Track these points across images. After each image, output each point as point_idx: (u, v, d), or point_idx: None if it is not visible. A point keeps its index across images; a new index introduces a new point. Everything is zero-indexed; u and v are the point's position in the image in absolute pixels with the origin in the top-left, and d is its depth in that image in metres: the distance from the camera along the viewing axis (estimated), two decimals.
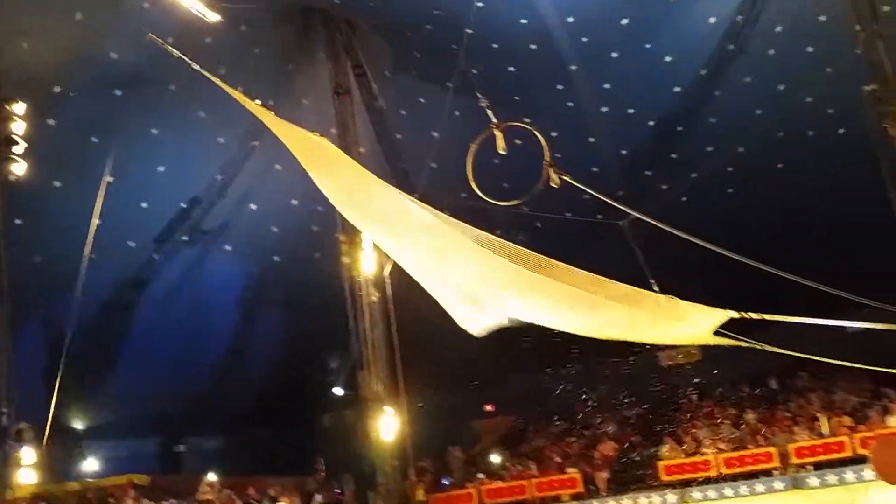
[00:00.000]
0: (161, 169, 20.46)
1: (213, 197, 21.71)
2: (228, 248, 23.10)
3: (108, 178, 16.93)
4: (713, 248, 11.30)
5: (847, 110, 17.60)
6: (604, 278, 7.81)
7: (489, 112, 7.87)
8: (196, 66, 4.80)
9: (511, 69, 20.67)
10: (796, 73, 19.72)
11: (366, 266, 16.77)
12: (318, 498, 23.77)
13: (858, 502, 11.74)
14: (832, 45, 18.18)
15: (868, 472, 17.09)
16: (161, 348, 22.42)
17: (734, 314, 7.92)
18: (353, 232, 17.05)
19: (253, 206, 22.61)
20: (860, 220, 18.94)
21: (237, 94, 4.77)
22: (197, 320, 23.01)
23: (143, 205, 20.42)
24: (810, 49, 19.38)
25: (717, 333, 8.01)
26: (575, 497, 21.56)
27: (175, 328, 22.40)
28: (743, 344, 8.50)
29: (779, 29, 19.38)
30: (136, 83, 18.65)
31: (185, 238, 22.00)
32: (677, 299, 8.15)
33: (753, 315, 8.15)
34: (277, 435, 26.23)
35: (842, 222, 20.16)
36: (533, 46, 20.12)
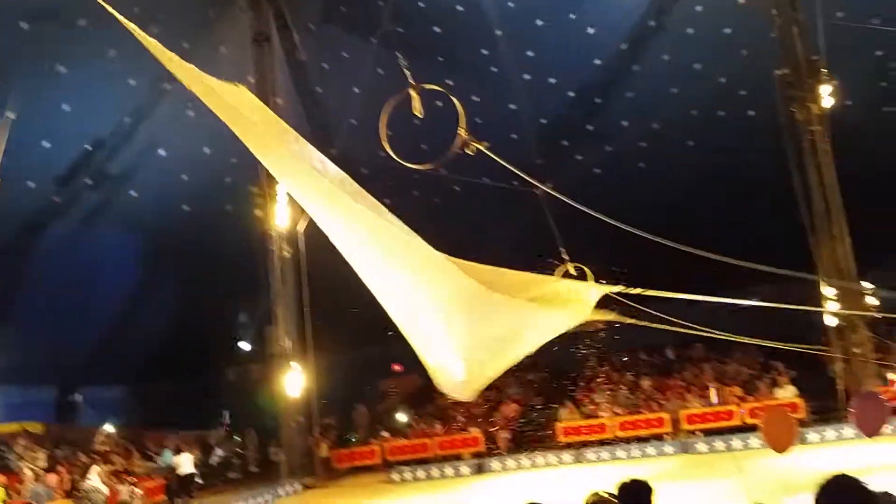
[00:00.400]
0: (66, 108, 19.40)
1: (119, 140, 20.78)
2: (134, 194, 22.22)
3: (10, 115, 15.98)
4: (617, 223, 11.56)
5: (758, 93, 18.16)
6: (502, 270, 8.29)
7: (407, 73, 7.73)
8: (102, 3, 4.47)
9: (437, 30, 20.49)
10: (712, 54, 20.20)
11: (279, 220, 16.44)
12: (219, 451, 23.51)
13: (744, 468, 12.34)
14: (749, 28, 18.68)
15: (754, 440, 18.02)
16: (60, 295, 21.51)
17: (617, 288, 8.64)
18: (267, 185, 16.65)
19: (162, 153, 21.77)
20: (764, 201, 19.69)
21: (148, 41, 4.45)
22: (99, 267, 22.13)
23: (46, 144, 19.36)
24: (727, 30, 19.86)
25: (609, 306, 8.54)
26: (476, 455, 22.00)
27: (76, 274, 21.48)
28: (620, 318, 9.30)
29: (699, 9, 19.78)
30: (43, 16, 17.54)
31: (88, 181, 21.03)
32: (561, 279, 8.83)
33: (632, 290, 8.85)
34: (180, 387, 25.73)
35: (747, 203, 20.90)
36: (460, 8, 19.97)
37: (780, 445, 9.32)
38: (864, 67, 19.47)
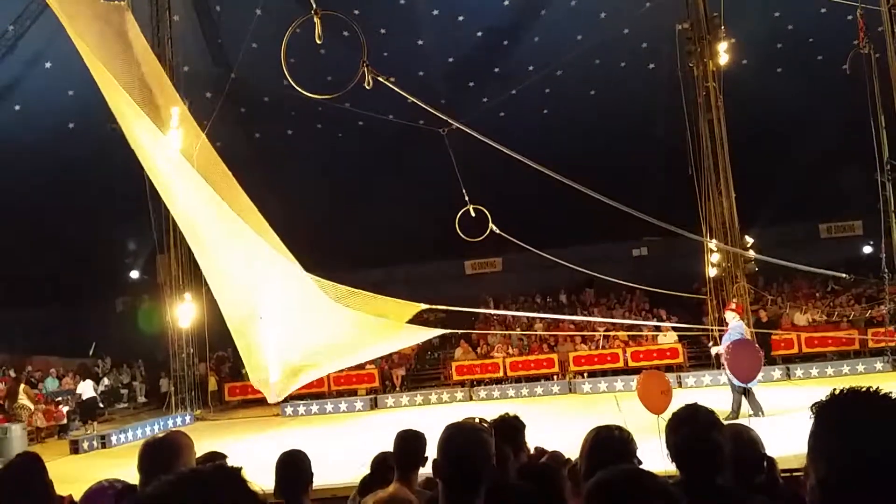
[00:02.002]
0: None
1: (2, 50, 19.43)
2: (17, 107, 20.91)
3: None
4: (527, 160, 11.76)
5: (659, 46, 18.54)
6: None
7: None
8: None
9: None
10: (618, 4, 20.39)
11: (172, 144, 15.87)
12: (105, 381, 22.97)
13: (623, 407, 13.00)
14: None
15: (634, 383, 18.90)
16: None
17: (425, 306, 10.07)
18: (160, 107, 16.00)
19: (48, 65, 20.46)
20: (659, 153, 20.29)
21: None
22: None
23: None
24: None
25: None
26: (370, 392, 22.29)
27: None
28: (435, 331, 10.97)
29: None
30: None
31: None
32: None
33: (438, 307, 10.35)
34: (65, 315, 24.82)
35: (643, 154, 21.50)
36: None
37: (656, 409, 9.90)
38: (761, 28, 20.06)
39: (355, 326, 10.72)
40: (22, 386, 19.63)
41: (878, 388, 1.54)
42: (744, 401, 13.31)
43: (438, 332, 12.35)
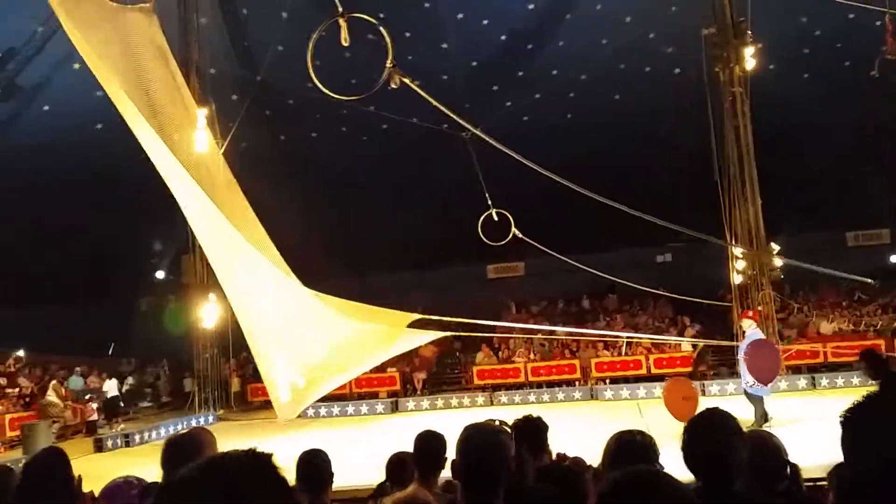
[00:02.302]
0: None
1: (31, 51, 19.71)
2: (46, 108, 21.21)
3: None
4: (545, 172, 11.76)
5: (685, 51, 18.38)
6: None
7: (337, 0, 7.56)
8: None
9: None
10: (643, 8, 20.22)
11: (198, 146, 16.01)
12: (130, 380, 23.25)
13: (645, 414, 12.91)
14: None
15: (658, 389, 18.77)
16: None
17: (418, 316, 10.70)
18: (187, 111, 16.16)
19: (76, 66, 20.71)
20: (684, 160, 20.10)
21: None
22: (7, 183, 21.17)
23: None
24: None
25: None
26: (391, 395, 22.34)
27: None
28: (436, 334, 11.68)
29: None
30: None
31: None
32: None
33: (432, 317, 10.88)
34: (90, 313, 25.10)
35: (668, 160, 21.31)
36: None
37: (681, 415, 9.80)
38: (788, 33, 19.83)
39: (356, 335, 11.00)
40: (52, 383, 20.03)
41: None
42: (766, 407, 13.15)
43: (438, 335, 12.44)
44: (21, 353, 23.18)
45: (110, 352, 24.93)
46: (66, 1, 10.23)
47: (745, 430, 2.63)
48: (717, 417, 2.53)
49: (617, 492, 1.59)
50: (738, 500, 2.32)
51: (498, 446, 2.32)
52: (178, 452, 2.76)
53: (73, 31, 10.49)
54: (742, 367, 13.61)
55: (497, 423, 3.78)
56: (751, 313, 14.44)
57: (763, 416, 12.98)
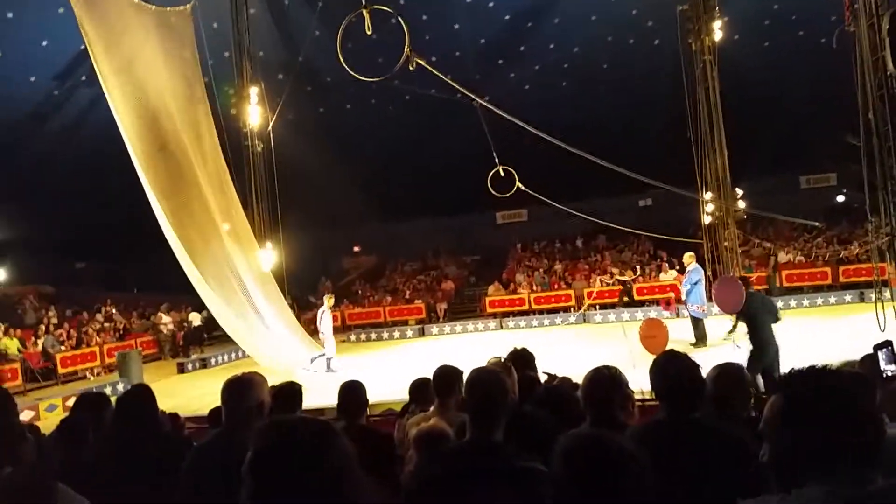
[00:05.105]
0: (61, 11, 17.99)
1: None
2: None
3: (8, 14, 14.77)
4: (542, 134, 11.54)
5: (663, 25, 17.83)
6: None
7: None
8: None
9: None
10: None
11: (252, 118, 15.89)
12: (204, 313, 23.52)
13: (628, 335, 12.97)
14: None
15: (640, 314, 18.81)
16: (67, 179, 20.57)
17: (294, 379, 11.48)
18: (241, 86, 16.00)
19: None
20: (663, 119, 19.67)
21: None
22: (99, 155, 21.17)
23: (44, 43, 18.03)
24: None
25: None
26: (418, 322, 22.54)
27: (78, 162, 20.48)
28: None
29: None
30: None
31: (83, 78, 19.77)
32: None
33: None
34: (169, 260, 25.36)
35: (649, 120, 20.91)
36: None
37: (653, 350, 9.94)
38: (751, 7, 19.31)
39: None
40: (162, 307, 21.56)
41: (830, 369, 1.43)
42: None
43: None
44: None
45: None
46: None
47: (691, 348, 2.61)
48: (681, 357, 2.50)
49: (568, 457, 1.54)
50: (695, 426, 2.29)
51: (498, 384, 2.30)
52: (233, 391, 2.78)
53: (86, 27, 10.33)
54: (686, 296, 13.96)
55: (501, 360, 3.81)
56: (690, 252, 14.64)
57: (703, 337, 13.15)
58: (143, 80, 12.58)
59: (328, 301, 15.31)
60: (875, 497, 1.28)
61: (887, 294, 10.84)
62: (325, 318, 14.88)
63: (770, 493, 1.39)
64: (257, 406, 2.74)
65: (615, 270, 21.82)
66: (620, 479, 1.47)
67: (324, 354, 14.80)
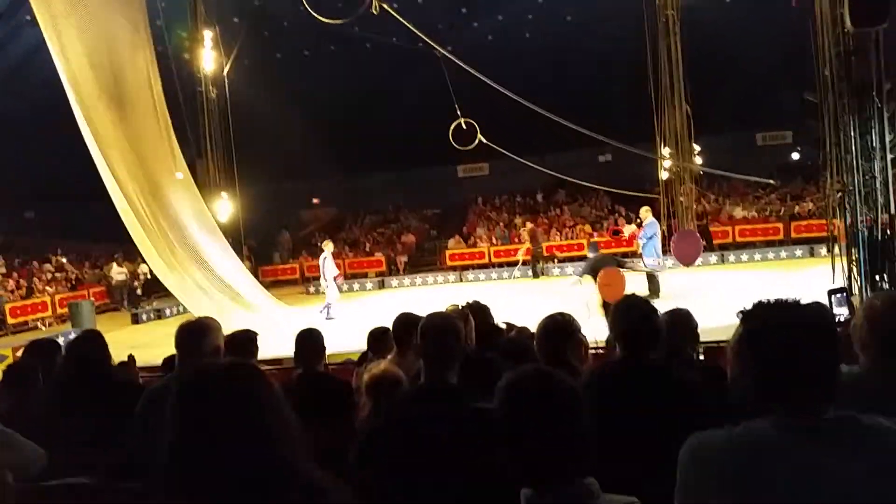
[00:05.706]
0: None
1: None
2: None
3: None
4: (502, 90, 11.40)
5: None
6: None
7: None
8: None
9: None
10: None
11: (206, 64, 15.33)
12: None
13: (584, 285, 13.15)
14: None
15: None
16: (15, 124, 19.65)
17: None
18: (195, 30, 15.38)
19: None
20: (624, 73, 19.67)
21: None
22: (49, 100, 20.24)
23: None
24: None
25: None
26: (378, 274, 22.50)
27: (25, 106, 19.58)
28: None
29: None
30: None
31: (28, 17, 18.74)
32: None
33: None
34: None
35: (610, 74, 20.88)
36: None
37: (609, 297, 10.17)
38: None
39: None
40: (115, 257, 20.76)
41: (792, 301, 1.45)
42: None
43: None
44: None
45: None
46: None
47: (648, 299, 2.65)
48: (638, 301, 2.53)
49: (511, 391, 1.55)
50: (650, 367, 2.34)
51: (451, 329, 2.31)
52: (187, 336, 2.73)
53: None
54: (642, 249, 14.06)
55: (462, 306, 3.82)
56: (647, 207, 14.74)
57: (657, 290, 13.41)
58: (85, 24, 11.97)
59: (328, 247, 15.12)
60: (824, 427, 1.31)
61: (837, 250, 11.19)
62: (328, 264, 14.67)
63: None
64: (212, 352, 2.71)
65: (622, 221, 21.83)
66: (560, 411, 1.48)
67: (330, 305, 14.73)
